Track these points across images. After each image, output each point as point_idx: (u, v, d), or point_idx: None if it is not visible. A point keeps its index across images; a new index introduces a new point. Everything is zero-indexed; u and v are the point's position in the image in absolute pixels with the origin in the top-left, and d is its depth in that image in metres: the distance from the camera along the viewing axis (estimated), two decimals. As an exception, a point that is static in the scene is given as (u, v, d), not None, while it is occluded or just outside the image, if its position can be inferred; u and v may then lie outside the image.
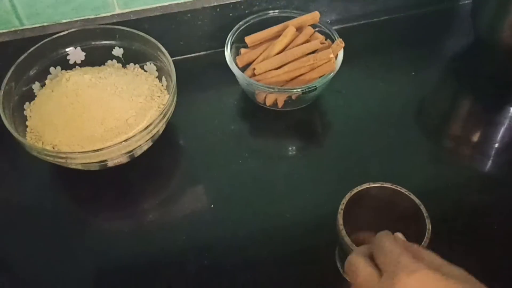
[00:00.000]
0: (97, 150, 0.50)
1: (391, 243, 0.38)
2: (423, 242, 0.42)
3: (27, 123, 0.58)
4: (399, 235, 0.43)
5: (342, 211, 0.45)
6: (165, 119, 0.55)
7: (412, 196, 0.45)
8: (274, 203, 0.56)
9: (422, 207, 0.44)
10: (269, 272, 0.50)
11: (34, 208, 0.56)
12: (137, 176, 0.58)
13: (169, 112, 0.55)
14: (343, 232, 0.43)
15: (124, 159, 0.55)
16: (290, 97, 0.61)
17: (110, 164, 0.54)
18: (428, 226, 0.43)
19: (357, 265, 0.38)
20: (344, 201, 0.46)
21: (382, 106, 0.65)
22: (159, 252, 0.52)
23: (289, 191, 0.57)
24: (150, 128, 0.53)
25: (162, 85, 0.62)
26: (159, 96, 0.60)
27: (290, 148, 0.62)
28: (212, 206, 0.56)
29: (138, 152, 0.56)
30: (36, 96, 0.60)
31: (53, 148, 0.54)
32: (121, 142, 0.51)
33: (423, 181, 0.57)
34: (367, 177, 0.47)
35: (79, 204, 0.58)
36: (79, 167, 0.53)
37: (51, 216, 0.56)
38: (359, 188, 0.46)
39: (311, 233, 0.53)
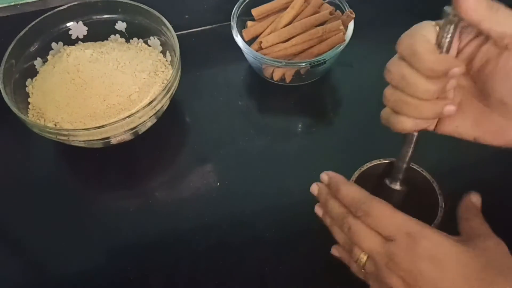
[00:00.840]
0: (100, 127, 0.49)
1: (378, 204, 0.38)
2: (435, 220, 0.41)
3: (29, 100, 0.57)
4: None
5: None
6: (169, 95, 0.53)
7: (425, 173, 0.44)
8: (282, 180, 0.55)
9: (435, 184, 0.43)
10: (277, 249, 0.49)
11: (39, 186, 0.56)
12: (142, 153, 0.57)
13: (173, 88, 0.54)
14: None
15: (127, 136, 0.54)
16: (298, 71, 0.60)
17: (114, 141, 0.53)
18: (441, 203, 0.42)
19: (360, 231, 0.38)
20: (354, 177, 0.44)
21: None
22: (165, 230, 0.52)
23: (297, 168, 0.56)
24: (154, 104, 0.51)
25: (167, 60, 0.60)
26: (163, 72, 0.58)
27: (298, 125, 0.61)
28: (218, 184, 0.55)
29: (142, 129, 0.55)
30: (38, 72, 0.59)
31: (55, 125, 0.53)
32: (124, 119, 0.50)
33: (438, 157, 0.55)
34: (379, 154, 0.46)
35: (84, 181, 0.57)
36: (82, 144, 0.52)
37: (56, 194, 0.55)
38: (369, 164, 0.45)
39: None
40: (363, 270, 0.39)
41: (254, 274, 0.48)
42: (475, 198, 0.42)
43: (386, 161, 0.45)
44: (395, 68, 0.35)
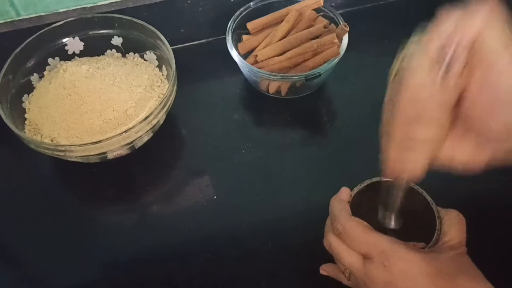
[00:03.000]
0: (96, 142, 0.49)
1: (354, 224, 0.40)
2: (430, 243, 0.41)
3: (26, 115, 0.57)
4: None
5: (349, 203, 0.43)
6: (165, 109, 0.53)
7: (425, 194, 0.43)
8: (278, 194, 0.54)
9: (434, 206, 0.42)
10: (273, 264, 0.49)
11: (36, 201, 0.56)
12: (139, 168, 0.57)
13: (169, 102, 0.54)
14: None
15: (124, 151, 0.54)
16: (293, 84, 0.60)
17: (110, 156, 0.53)
18: (438, 226, 0.41)
19: (339, 248, 0.41)
20: (352, 193, 0.44)
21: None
22: (161, 244, 0.51)
23: (293, 182, 0.55)
24: (150, 118, 0.51)
25: (163, 74, 0.60)
26: (159, 86, 0.58)
27: (294, 138, 0.60)
28: (215, 197, 0.55)
29: (139, 144, 0.55)
30: (35, 88, 0.59)
31: (52, 141, 0.53)
32: (120, 134, 0.50)
33: (435, 173, 0.55)
34: (375, 168, 0.46)
35: (80, 196, 0.57)
36: (79, 159, 0.52)
37: (52, 209, 0.55)
38: (368, 181, 0.44)
39: (315, 224, 0.51)
40: (349, 281, 0.42)
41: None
42: None
43: (387, 180, 0.44)
44: None
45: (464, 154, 0.34)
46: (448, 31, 0.29)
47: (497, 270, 0.36)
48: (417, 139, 0.33)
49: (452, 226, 0.40)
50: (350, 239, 0.40)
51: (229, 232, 0.52)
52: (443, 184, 0.53)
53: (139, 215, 0.54)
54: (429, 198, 0.43)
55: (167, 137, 0.59)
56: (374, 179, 0.44)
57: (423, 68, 0.30)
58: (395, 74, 0.33)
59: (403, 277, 0.36)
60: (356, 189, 0.44)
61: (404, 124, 0.33)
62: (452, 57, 0.29)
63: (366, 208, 0.43)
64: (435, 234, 0.41)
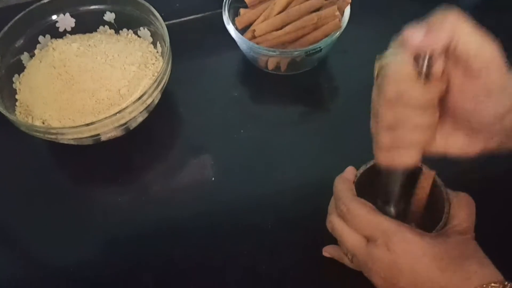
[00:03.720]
0: (88, 124, 0.48)
1: (358, 204, 0.39)
2: (438, 226, 0.39)
3: (16, 96, 0.55)
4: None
5: (354, 183, 0.42)
6: (160, 88, 0.51)
7: (438, 180, 0.41)
8: (277, 171, 0.53)
9: (443, 188, 0.40)
10: (273, 241, 0.48)
11: (29, 184, 0.54)
12: (134, 149, 0.56)
13: (164, 80, 0.52)
14: None
15: (118, 133, 0.52)
16: (293, 60, 0.58)
17: (104, 138, 0.52)
18: (447, 209, 0.40)
19: (341, 230, 0.40)
20: (358, 173, 0.42)
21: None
22: (159, 224, 0.50)
23: (293, 159, 0.54)
24: (144, 98, 0.50)
25: (157, 51, 0.58)
26: (153, 64, 0.56)
27: (295, 115, 0.59)
28: (214, 176, 0.53)
29: (133, 125, 0.53)
30: (25, 67, 0.57)
31: (43, 123, 0.51)
32: (113, 115, 0.48)
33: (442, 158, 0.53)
34: None
35: (75, 179, 0.56)
36: (71, 142, 0.51)
37: (47, 191, 0.54)
38: (367, 164, 0.43)
39: (316, 201, 0.49)
40: (352, 263, 0.42)
41: (250, 269, 0.47)
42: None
43: None
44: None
45: (456, 146, 0.35)
46: (420, 39, 0.30)
47: (506, 256, 0.35)
48: (404, 140, 0.34)
49: (461, 209, 0.39)
50: (354, 221, 0.38)
51: (228, 210, 0.51)
52: (453, 165, 0.51)
53: (136, 196, 0.53)
54: (438, 180, 0.41)
55: (163, 117, 0.57)
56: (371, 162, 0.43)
57: (401, 73, 0.31)
58: (377, 77, 0.34)
59: (407, 258, 0.35)
60: (362, 169, 0.43)
61: (391, 128, 0.33)
62: (429, 63, 0.31)
63: (372, 188, 0.42)
64: (443, 217, 0.39)
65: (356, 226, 0.38)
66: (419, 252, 0.35)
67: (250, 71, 0.61)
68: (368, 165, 0.42)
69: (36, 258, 0.51)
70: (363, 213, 0.38)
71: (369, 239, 0.38)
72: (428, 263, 0.35)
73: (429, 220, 0.40)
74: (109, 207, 0.53)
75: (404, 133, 0.33)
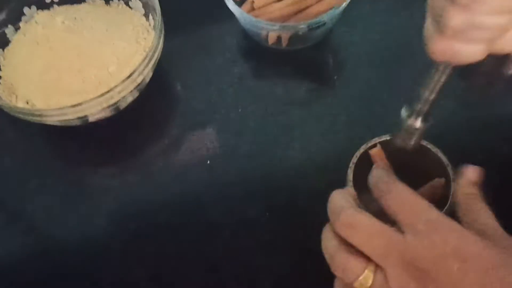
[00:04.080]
0: (75, 106, 0.45)
1: (403, 188, 0.32)
2: (444, 209, 0.36)
3: (0, 73, 0.52)
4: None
5: (353, 165, 0.39)
6: (151, 65, 0.48)
7: (439, 154, 0.39)
8: (280, 156, 0.50)
9: (450, 168, 0.38)
10: (272, 237, 0.46)
11: (17, 169, 0.52)
12: (126, 129, 0.53)
13: (156, 56, 0.49)
14: (350, 184, 0.38)
15: (107, 113, 0.49)
16: (295, 34, 0.54)
17: (92, 119, 0.48)
18: (454, 189, 0.37)
19: (367, 227, 0.31)
20: (358, 153, 0.40)
21: (402, 42, 0.56)
22: (150, 214, 0.48)
23: (296, 141, 0.51)
24: (134, 76, 0.47)
25: (150, 24, 0.54)
26: (145, 38, 0.52)
27: (298, 93, 0.55)
28: (210, 160, 0.51)
29: (123, 105, 0.50)
30: (10, 42, 0.54)
31: (27, 103, 0.48)
32: (101, 95, 0.45)
33: (453, 130, 0.50)
34: (386, 124, 0.41)
35: (64, 162, 0.53)
36: (58, 123, 0.48)
37: (36, 177, 0.51)
38: (376, 139, 0.40)
39: (320, 187, 0.47)
40: None
41: (248, 257, 0.45)
42: (473, 173, 0.35)
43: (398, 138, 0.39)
44: None
45: None
46: None
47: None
48: (482, 25, 0.26)
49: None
50: (396, 203, 0.32)
51: (226, 196, 0.48)
52: (460, 144, 0.48)
53: (128, 179, 0.50)
54: (444, 159, 0.39)
55: (155, 96, 0.54)
56: (383, 137, 0.40)
57: None
58: None
59: (454, 257, 0.29)
60: (361, 149, 0.40)
61: (466, 10, 0.26)
62: None
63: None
64: (450, 198, 0.36)
65: (396, 208, 0.31)
66: (469, 253, 0.29)
67: (250, 45, 0.58)
68: (368, 145, 0.40)
69: (26, 243, 0.49)
70: (407, 194, 0.32)
71: (402, 230, 0.31)
72: (478, 269, 0.29)
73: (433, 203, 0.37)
74: (100, 191, 0.51)
75: (484, 16, 0.26)
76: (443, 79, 0.32)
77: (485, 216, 0.33)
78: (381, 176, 0.34)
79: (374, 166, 0.37)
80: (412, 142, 0.36)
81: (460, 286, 0.29)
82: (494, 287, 0.28)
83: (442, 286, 0.29)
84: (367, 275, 0.30)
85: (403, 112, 0.35)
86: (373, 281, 0.30)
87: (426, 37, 0.29)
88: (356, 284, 0.31)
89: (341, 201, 0.33)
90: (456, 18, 0.26)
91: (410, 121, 0.35)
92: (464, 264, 0.29)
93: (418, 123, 0.34)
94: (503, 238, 0.31)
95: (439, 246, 0.29)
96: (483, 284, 0.28)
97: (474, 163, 0.36)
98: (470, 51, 0.28)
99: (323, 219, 0.39)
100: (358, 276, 0.30)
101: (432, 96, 0.33)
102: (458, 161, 0.38)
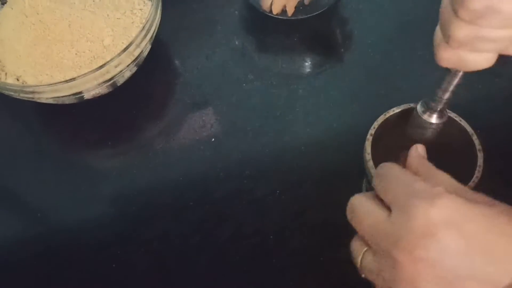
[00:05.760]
0: (68, 81, 0.42)
1: (399, 171, 0.30)
2: (471, 182, 0.34)
3: (-13, 50, 0.49)
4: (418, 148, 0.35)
5: (371, 137, 0.36)
6: (149, 37, 0.45)
7: (463, 123, 0.36)
8: (286, 132, 0.48)
9: (475, 138, 0.35)
10: (280, 217, 0.43)
11: (12, 151, 0.50)
12: (123, 108, 0.50)
13: (154, 28, 0.46)
14: (371, 163, 0.35)
15: (103, 90, 0.46)
16: (301, 2, 0.51)
17: (87, 96, 0.46)
18: (480, 161, 0.34)
19: (362, 208, 0.31)
20: (376, 124, 0.37)
21: (415, 10, 0.54)
22: (151, 197, 0.45)
23: (304, 118, 0.49)
24: (131, 49, 0.44)
25: (146, -6, 0.51)
26: (141, 9, 0.49)
27: (304, 66, 0.53)
28: (213, 139, 0.48)
29: (121, 81, 0.47)
30: (-4, 16, 0.50)
31: (17, 79, 0.45)
32: (96, 69, 0.42)
33: (473, 103, 0.47)
34: (398, 98, 0.39)
35: (59, 141, 0.51)
36: (51, 101, 0.45)
37: (31, 158, 0.49)
38: (395, 109, 0.37)
39: (331, 167, 0.46)
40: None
41: (253, 243, 0.42)
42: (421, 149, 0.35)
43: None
44: None
45: None
46: None
47: None
48: (487, 37, 0.26)
49: None
50: (386, 182, 0.31)
51: (228, 180, 0.46)
52: (485, 112, 0.46)
53: (127, 159, 0.48)
54: (468, 128, 0.36)
55: (155, 71, 0.51)
56: (402, 107, 0.37)
57: None
58: None
59: (445, 226, 0.26)
60: (380, 120, 0.37)
61: (475, 18, 0.25)
62: None
63: (391, 143, 0.37)
64: (476, 171, 0.34)
65: (386, 191, 0.30)
66: (463, 220, 0.27)
67: (253, 16, 0.55)
68: (387, 115, 0.37)
69: (21, 227, 0.46)
70: (391, 170, 0.31)
71: (392, 209, 0.29)
72: (476, 236, 0.26)
73: (459, 175, 0.35)
74: (98, 173, 0.48)
75: (490, 30, 0.26)
76: (455, 81, 0.32)
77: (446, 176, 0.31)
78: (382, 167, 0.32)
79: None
80: (428, 136, 0.36)
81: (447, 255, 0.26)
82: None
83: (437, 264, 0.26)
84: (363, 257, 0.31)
85: (419, 108, 0.35)
86: (361, 260, 0.30)
87: (435, 44, 0.30)
88: (359, 265, 0.31)
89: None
90: (461, 31, 0.27)
91: (425, 117, 0.35)
92: (459, 232, 0.26)
93: (433, 119, 0.35)
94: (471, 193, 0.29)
95: (426, 215, 0.27)
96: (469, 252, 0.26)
97: (498, 133, 0.34)
98: (478, 60, 0.28)
99: (335, 195, 0.36)
100: (358, 257, 0.31)
101: (446, 96, 0.33)
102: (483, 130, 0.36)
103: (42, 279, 0.43)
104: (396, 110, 0.37)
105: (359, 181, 0.42)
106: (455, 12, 0.26)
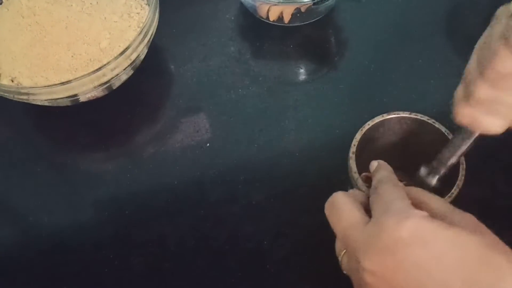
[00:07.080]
0: (64, 83, 0.41)
1: (388, 186, 0.32)
2: (455, 186, 0.35)
3: (-18, 50, 0.48)
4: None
5: (354, 155, 0.37)
6: (146, 41, 0.45)
7: (442, 129, 0.36)
8: (280, 138, 0.48)
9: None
10: (274, 222, 0.43)
11: (6, 153, 0.49)
12: (119, 110, 0.50)
13: (151, 32, 0.46)
14: (360, 181, 0.36)
15: (99, 93, 0.46)
16: (298, 9, 0.52)
17: (83, 99, 0.45)
18: (462, 172, 0.35)
19: (342, 207, 0.32)
20: (355, 141, 0.37)
21: (407, 20, 0.55)
22: (146, 201, 0.45)
23: (299, 123, 0.49)
24: (128, 52, 0.44)
25: (143, -1, 0.51)
26: (138, 13, 0.49)
27: (299, 72, 0.53)
28: (208, 144, 0.48)
29: (117, 84, 0.47)
30: (-8, 17, 0.50)
31: (12, 81, 0.45)
32: (93, 72, 0.42)
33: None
34: (389, 104, 0.40)
35: (53, 144, 0.50)
36: (46, 103, 0.45)
37: (25, 161, 0.49)
38: (371, 122, 0.38)
39: (325, 172, 0.46)
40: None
41: (248, 248, 0.42)
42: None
43: (393, 116, 0.38)
44: None
45: None
46: None
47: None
48: (505, 102, 0.28)
49: None
50: (374, 193, 0.32)
51: (223, 185, 0.46)
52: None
53: (122, 163, 0.48)
54: (443, 129, 0.37)
55: (151, 75, 0.51)
56: (377, 118, 0.38)
57: None
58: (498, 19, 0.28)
59: (416, 245, 0.28)
60: (358, 136, 0.38)
61: (497, 81, 0.28)
62: None
63: (374, 150, 0.38)
64: (460, 173, 0.35)
65: (373, 202, 0.32)
66: (434, 239, 0.28)
67: (249, 22, 0.56)
68: (364, 129, 0.38)
69: (16, 227, 0.46)
70: (384, 185, 0.32)
71: (372, 218, 0.30)
72: (448, 255, 0.27)
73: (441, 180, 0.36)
74: (93, 176, 0.48)
75: (509, 94, 0.28)
76: (463, 146, 0.34)
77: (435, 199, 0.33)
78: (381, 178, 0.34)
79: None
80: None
81: (434, 275, 0.27)
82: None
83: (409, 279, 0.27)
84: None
85: (422, 171, 0.37)
86: (341, 260, 0.32)
87: (455, 100, 0.32)
88: (340, 264, 0.32)
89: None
90: (482, 91, 0.29)
91: (427, 179, 0.36)
92: (431, 251, 0.27)
93: (434, 182, 0.36)
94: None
95: (392, 232, 0.28)
96: (459, 272, 0.27)
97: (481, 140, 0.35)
98: (490, 123, 0.30)
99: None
100: (339, 257, 0.32)
101: (452, 160, 0.35)
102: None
103: (35, 283, 0.43)
104: (371, 123, 0.38)
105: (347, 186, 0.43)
106: (481, 72, 0.28)
